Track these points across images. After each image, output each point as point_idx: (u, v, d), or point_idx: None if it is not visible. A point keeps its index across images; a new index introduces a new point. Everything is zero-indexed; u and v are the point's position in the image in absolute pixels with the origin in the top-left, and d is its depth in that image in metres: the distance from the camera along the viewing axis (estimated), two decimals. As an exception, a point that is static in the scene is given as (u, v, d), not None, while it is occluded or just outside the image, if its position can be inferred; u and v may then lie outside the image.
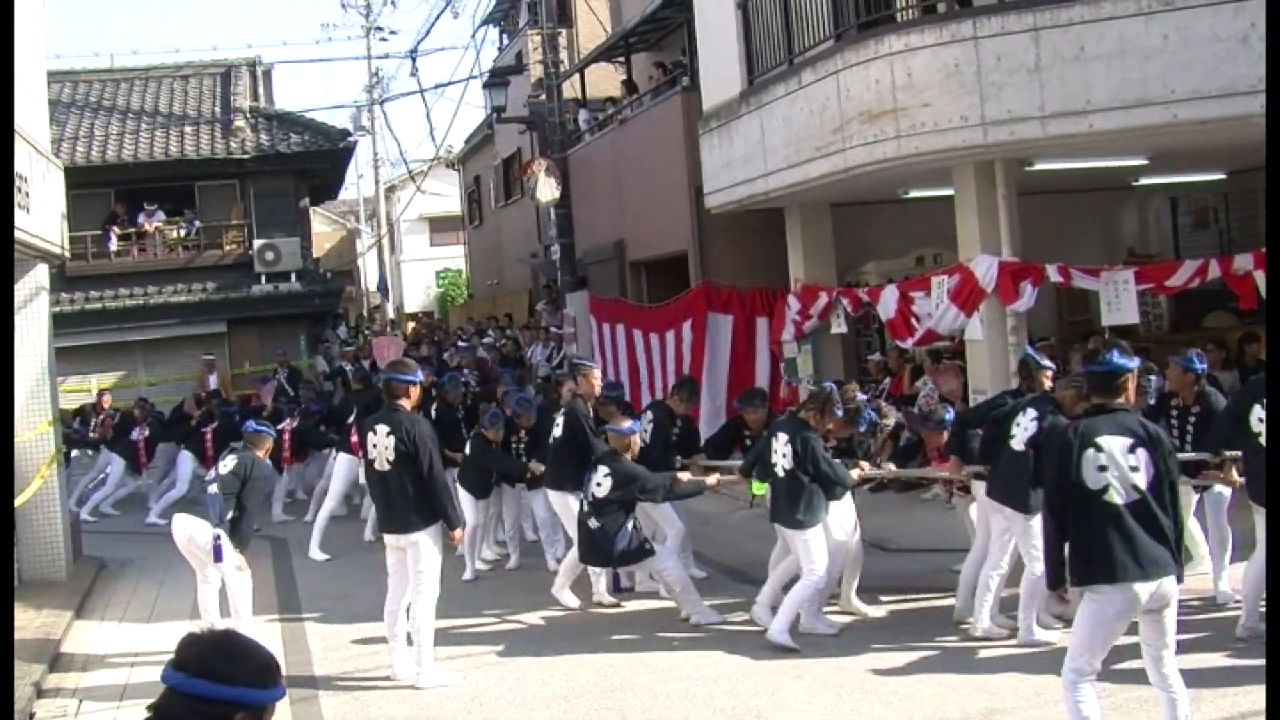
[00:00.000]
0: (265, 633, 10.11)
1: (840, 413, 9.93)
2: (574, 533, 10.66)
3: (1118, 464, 5.94)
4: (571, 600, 10.90)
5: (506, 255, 34.10)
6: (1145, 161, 13.43)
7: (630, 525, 10.17)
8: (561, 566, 11.14)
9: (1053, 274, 12.25)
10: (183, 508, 10.88)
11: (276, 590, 12.38)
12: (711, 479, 10.90)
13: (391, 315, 41.90)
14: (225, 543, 9.80)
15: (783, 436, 9.57)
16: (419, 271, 50.22)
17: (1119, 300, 11.97)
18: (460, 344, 24.98)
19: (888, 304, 13.90)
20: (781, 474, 9.50)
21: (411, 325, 39.01)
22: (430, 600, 8.92)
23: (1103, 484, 5.94)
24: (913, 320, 13.54)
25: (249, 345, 25.77)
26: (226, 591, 10.00)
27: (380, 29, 41.91)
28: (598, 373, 11.68)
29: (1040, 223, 14.14)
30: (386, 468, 8.87)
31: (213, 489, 10.12)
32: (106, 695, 9.09)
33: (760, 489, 10.09)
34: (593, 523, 10.14)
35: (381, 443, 8.85)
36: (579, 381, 11.47)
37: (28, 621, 10.90)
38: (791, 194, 14.40)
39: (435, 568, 8.97)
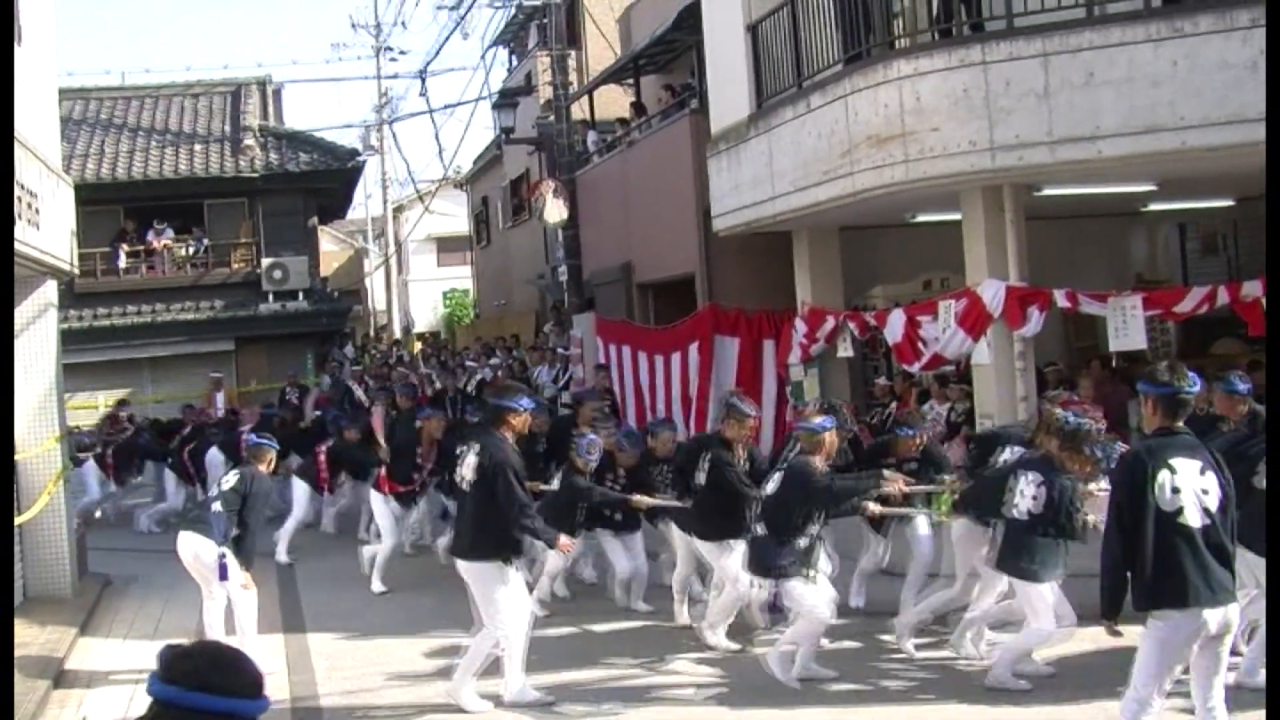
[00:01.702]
0: (269, 650, 10.11)
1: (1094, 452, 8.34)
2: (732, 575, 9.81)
3: (1191, 487, 5.89)
4: (726, 642, 10.00)
5: (514, 276, 34.11)
6: (1154, 188, 13.44)
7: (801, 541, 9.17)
8: (714, 604, 10.14)
9: (1060, 299, 12.24)
10: (187, 525, 10.81)
11: (280, 608, 12.36)
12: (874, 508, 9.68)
13: (398, 335, 41.94)
14: (231, 561, 9.75)
15: (1032, 476, 8.31)
16: (426, 291, 50.26)
17: (1126, 326, 11.95)
18: (468, 364, 24.97)
19: (895, 328, 13.89)
20: (1022, 516, 8.32)
21: (418, 345, 39.04)
22: (503, 634, 8.52)
23: (1177, 506, 5.88)
24: (920, 344, 13.52)
25: (256, 363, 25.83)
26: (232, 609, 9.98)
27: (390, 49, 42.21)
28: (752, 421, 10.19)
29: (1048, 248, 14.13)
30: (466, 489, 8.69)
31: (216, 507, 10.02)
32: (111, 712, 9.08)
33: (945, 510, 9.55)
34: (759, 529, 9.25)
35: (469, 462, 8.71)
36: (727, 425, 10.09)
37: (32, 638, 10.88)
38: (799, 217, 14.41)
39: (497, 605, 8.49)
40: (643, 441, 11.56)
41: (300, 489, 15.54)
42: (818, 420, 9.10)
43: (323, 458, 15.58)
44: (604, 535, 11.62)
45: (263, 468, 10.40)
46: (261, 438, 10.95)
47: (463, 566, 8.68)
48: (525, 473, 8.87)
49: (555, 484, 11.30)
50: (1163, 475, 5.89)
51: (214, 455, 17.57)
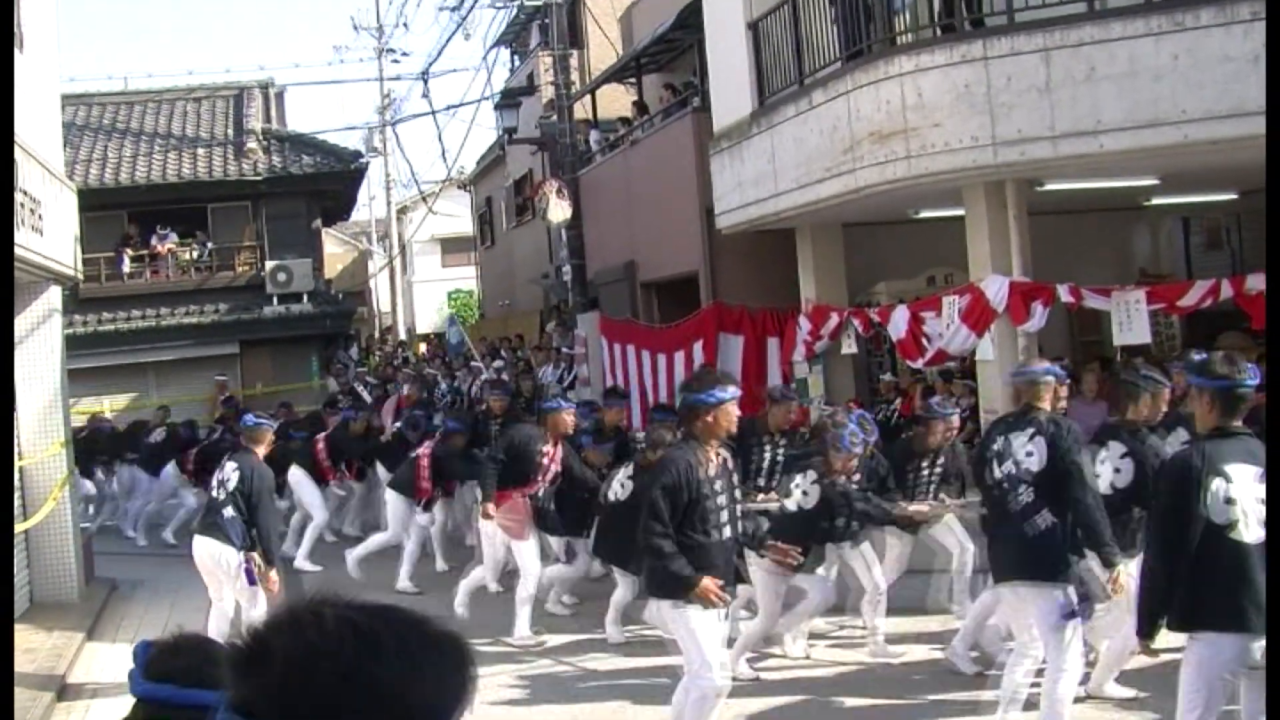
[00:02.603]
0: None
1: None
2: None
3: (1246, 496, 5.30)
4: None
5: (518, 276, 34.11)
6: (1156, 182, 13.41)
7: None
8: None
9: (1064, 294, 12.23)
10: (201, 529, 10.27)
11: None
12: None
13: (403, 336, 41.96)
14: (256, 565, 9.64)
15: None
16: (430, 292, 50.25)
17: (1130, 320, 11.94)
18: (473, 364, 24.98)
19: (899, 324, 13.88)
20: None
21: (423, 346, 39.04)
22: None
23: (1230, 519, 5.30)
24: (923, 340, 13.52)
25: (261, 366, 25.85)
26: (240, 615, 9.86)
27: (392, 51, 42.07)
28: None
29: (1051, 243, 14.11)
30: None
31: (228, 512, 9.75)
32: (118, 717, 9.07)
33: None
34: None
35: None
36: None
37: (39, 643, 10.90)
38: (802, 214, 14.40)
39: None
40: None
41: (396, 505, 13.64)
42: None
43: (426, 464, 13.59)
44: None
45: (261, 451, 10.10)
46: (260, 418, 10.70)
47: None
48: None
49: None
50: (1216, 483, 5.30)
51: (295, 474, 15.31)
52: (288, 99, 31.97)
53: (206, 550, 9.90)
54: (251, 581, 9.63)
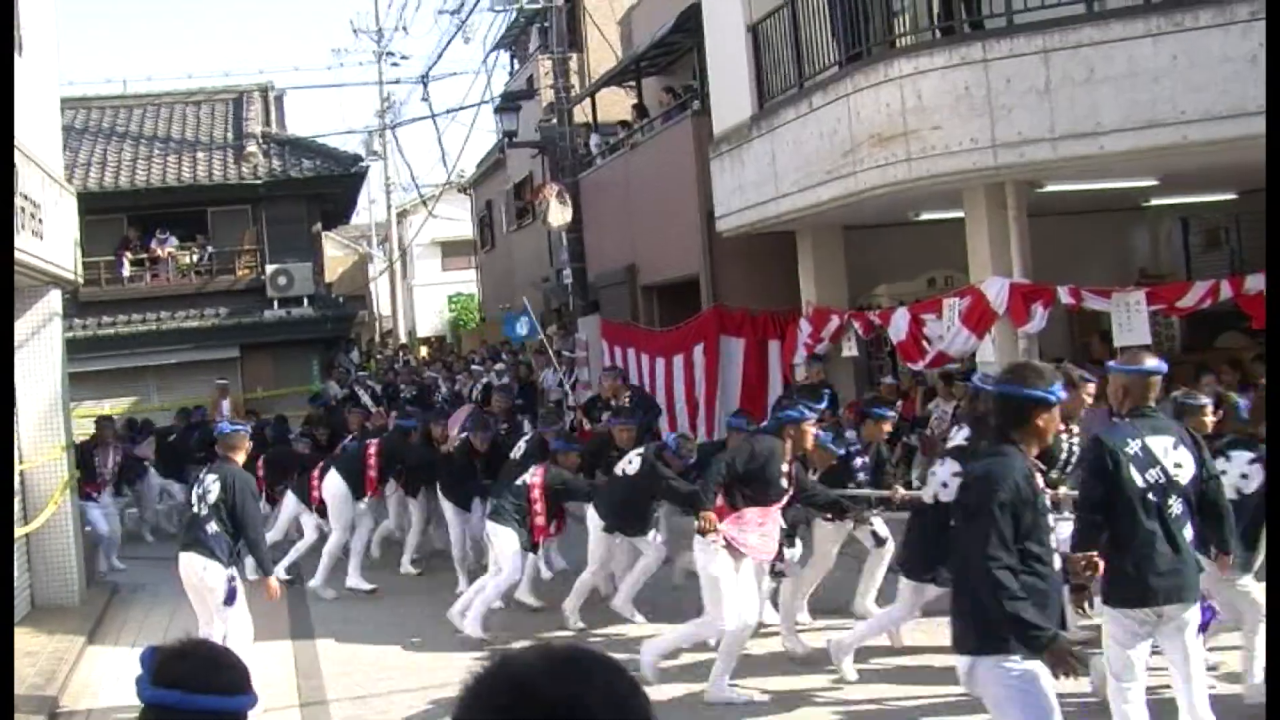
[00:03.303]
0: (278, 655, 10.13)
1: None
2: None
3: (1162, 464, 5.99)
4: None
5: (518, 280, 34.11)
6: (1156, 182, 13.43)
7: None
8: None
9: (1064, 296, 12.24)
10: (185, 545, 9.48)
11: (289, 612, 12.37)
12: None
13: (404, 340, 41.96)
14: (239, 583, 9.21)
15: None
16: (431, 296, 50.28)
17: (1130, 321, 11.95)
18: (474, 368, 25.00)
19: (899, 327, 13.89)
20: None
21: (424, 350, 39.06)
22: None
23: (1146, 484, 5.98)
24: (924, 343, 13.53)
25: (262, 370, 25.84)
26: (227, 638, 9.26)
27: (391, 54, 42.06)
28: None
29: (1051, 244, 14.11)
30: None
31: (212, 527, 9.16)
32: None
33: None
34: None
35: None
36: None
37: (40, 646, 10.91)
38: (802, 217, 14.41)
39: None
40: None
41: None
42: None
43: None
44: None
45: (238, 458, 9.52)
46: (236, 424, 10.23)
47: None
48: None
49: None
50: (1132, 448, 5.94)
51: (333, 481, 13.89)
52: (287, 102, 31.99)
53: (192, 567, 9.28)
54: (231, 601, 9.06)
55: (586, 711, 1.69)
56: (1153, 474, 5.98)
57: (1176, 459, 6.02)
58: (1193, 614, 6.04)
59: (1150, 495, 5.94)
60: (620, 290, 21.05)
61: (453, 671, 9.32)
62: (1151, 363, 6.29)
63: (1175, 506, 5.98)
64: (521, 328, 22.07)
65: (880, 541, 10.36)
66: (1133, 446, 6.00)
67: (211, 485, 9.28)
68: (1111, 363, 6.46)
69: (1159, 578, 5.89)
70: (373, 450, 13.69)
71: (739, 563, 8.76)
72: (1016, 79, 11.20)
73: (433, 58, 72.36)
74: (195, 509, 9.42)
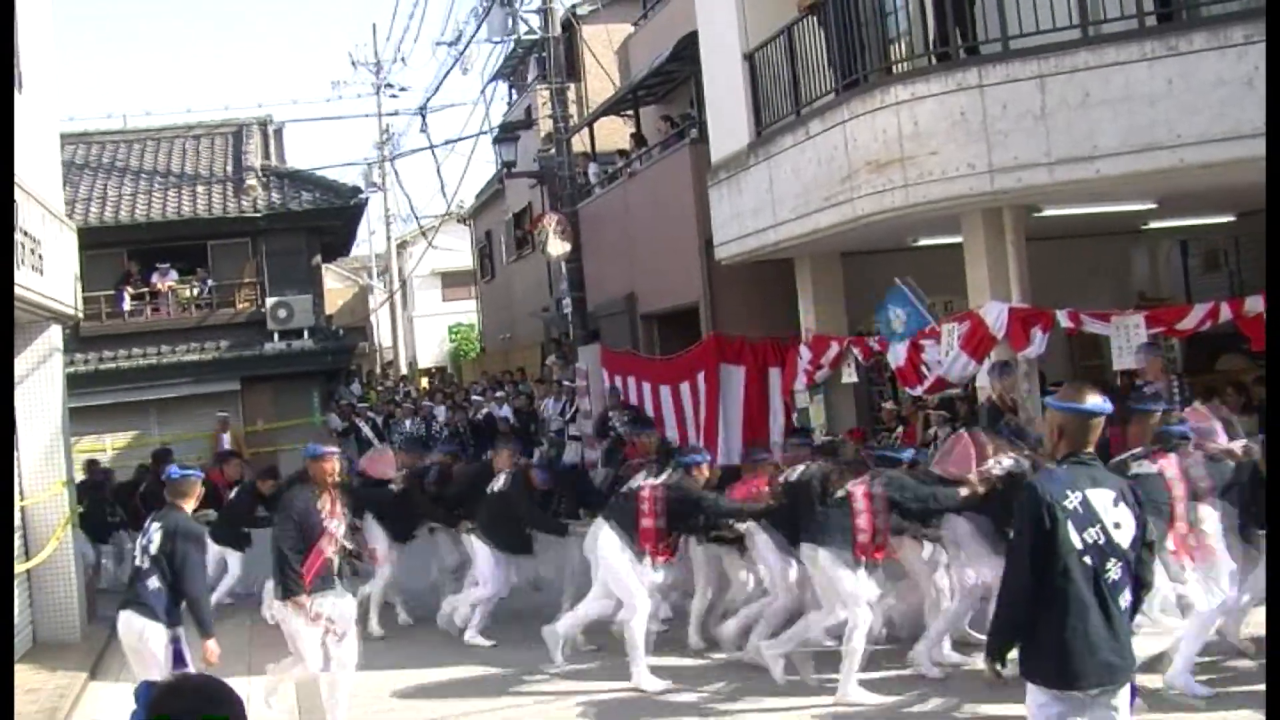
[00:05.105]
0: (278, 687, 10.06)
1: None
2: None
3: (1101, 522, 5.13)
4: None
5: (518, 309, 34.19)
6: (1154, 205, 13.45)
7: None
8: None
9: (1063, 320, 12.25)
10: (124, 603, 8.58)
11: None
12: None
13: (404, 371, 41.98)
14: (185, 645, 8.32)
15: None
16: (431, 327, 50.37)
17: (1130, 345, 11.95)
18: (475, 398, 25.02)
19: (898, 352, 13.89)
20: None
21: (425, 381, 39.07)
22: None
23: (1081, 544, 5.10)
24: (923, 368, 13.53)
25: (262, 403, 25.78)
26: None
27: (390, 86, 42.33)
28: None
29: (1050, 268, 14.13)
30: None
31: (152, 583, 8.23)
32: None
33: None
34: None
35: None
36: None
37: (42, 683, 10.87)
38: (801, 244, 14.43)
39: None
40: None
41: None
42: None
43: None
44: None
45: (187, 506, 8.59)
46: (187, 468, 8.98)
47: None
48: None
49: None
50: (1071, 502, 5.07)
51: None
52: (286, 135, 32.06)
53: (130, 627, 8.32)
54: (180, 663, 8.19)
55: None
56: (1091, 533, 5.11)
57: (1116, 517, 5.12)
58: (1122, 698, 5.17)
59: (1087, 558, 5.07)
60: (620, 319, 21.07)
61: (455, 704, 9.29)
62: (1093, 401, 5.28)
63: (1113, 571, 5.10)
64: (898, 319, 14.40)
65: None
66: (1072, 500, 5.11)
67: (154, 535, 8.36)
68: (1049, 398, 5.57)
69: (1089, 658, 5.05)
70: None
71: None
72: (1013, 104, 11.23)
73: (431, 89, 72.87)
74: (138, 561, 8.47)
